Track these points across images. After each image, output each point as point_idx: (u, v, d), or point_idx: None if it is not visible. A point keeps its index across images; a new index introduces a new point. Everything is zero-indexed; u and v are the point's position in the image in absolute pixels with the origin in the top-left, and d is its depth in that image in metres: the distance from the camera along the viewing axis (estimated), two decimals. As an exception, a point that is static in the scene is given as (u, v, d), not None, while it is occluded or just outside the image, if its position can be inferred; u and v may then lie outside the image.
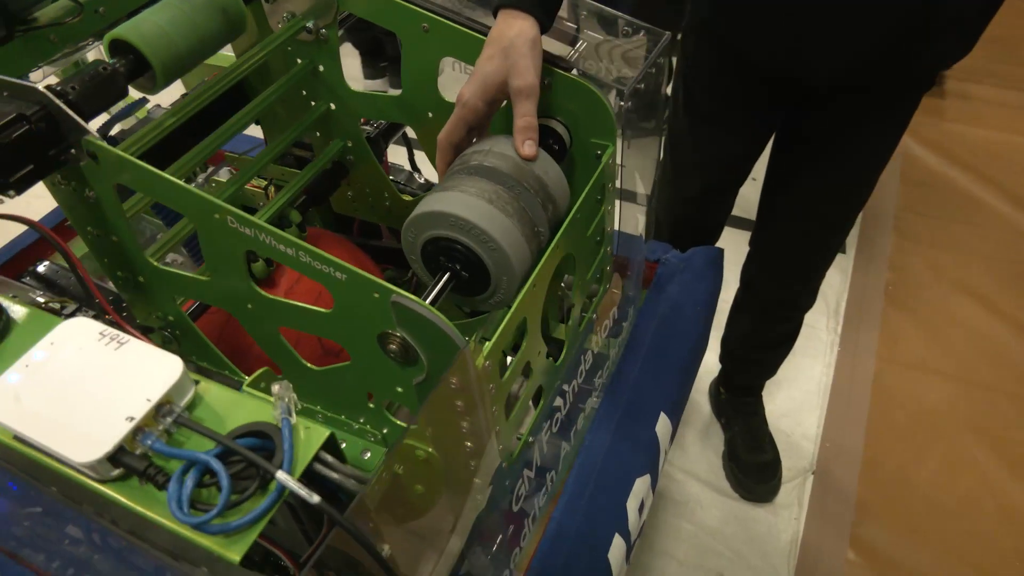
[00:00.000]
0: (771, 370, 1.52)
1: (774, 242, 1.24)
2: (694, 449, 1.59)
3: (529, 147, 0.67)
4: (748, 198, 1.30)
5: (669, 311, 1.06)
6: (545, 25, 0.69)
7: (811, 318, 1.83)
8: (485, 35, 0.72)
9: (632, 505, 0.91)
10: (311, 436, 0.49)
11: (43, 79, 0.82)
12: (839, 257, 2.00)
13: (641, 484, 0.93)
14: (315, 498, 0.44)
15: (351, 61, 2.83)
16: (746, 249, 1.31)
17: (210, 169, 1.10)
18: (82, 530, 0.59)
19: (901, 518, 1.46)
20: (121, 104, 0.87)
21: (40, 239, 1.09)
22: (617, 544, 0.88)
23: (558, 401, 0.84)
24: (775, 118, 1.11)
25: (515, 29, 0.67)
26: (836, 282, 1.93)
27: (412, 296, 0.54)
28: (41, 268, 0.99)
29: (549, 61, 0.73)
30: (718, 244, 1.30)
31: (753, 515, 1.47)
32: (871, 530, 1.45)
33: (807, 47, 0.90)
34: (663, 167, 1.27)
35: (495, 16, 0.70)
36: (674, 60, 1.22)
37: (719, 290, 1.16)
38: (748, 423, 1.54)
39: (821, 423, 1.62)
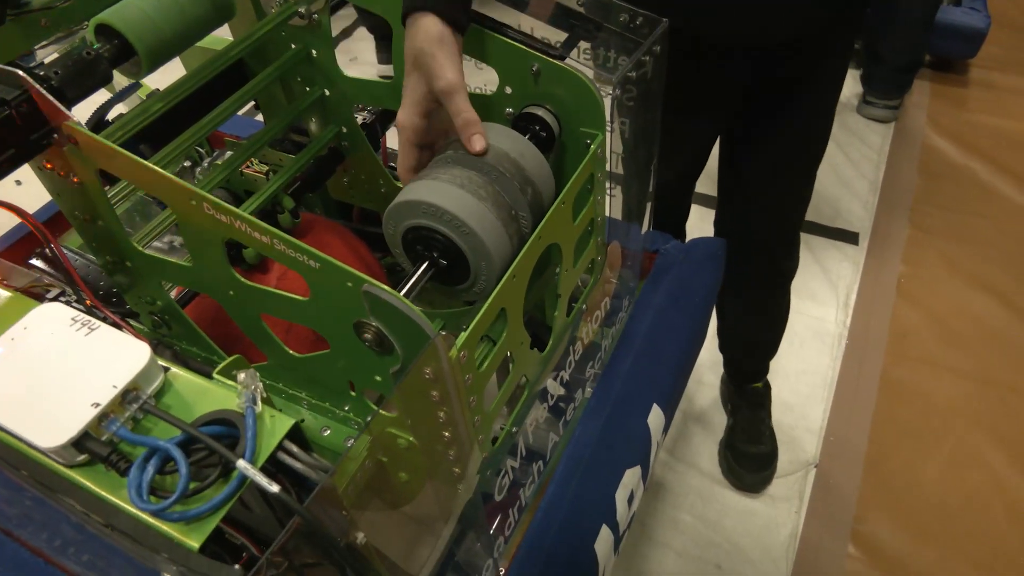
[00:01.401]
0: (770, 350, 1.51)
1: (743, 214, 1.24)
2: (696, 440, 1.58)
3: (477, 141, 0.65)
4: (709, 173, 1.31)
5: (666, 302, 1.05)
6: (448, 16, 0.64)
7: (819, 311, 1.82)
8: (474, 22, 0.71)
9: (621, 496, 0.91)
10: (276, 425, 0.49)
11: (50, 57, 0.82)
12: (851, 249, 1.97)
13: (631, 475, 0.93)
14: (274, 487, 0.44)
15: (366, 45, 2.83)
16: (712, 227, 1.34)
17: (216, 152, 1.10)
18: (57, 513, 0.60)
19: (905, 515, 1.45)
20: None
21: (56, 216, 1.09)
22: (604, 535, 0.87)
23: (546, 391, 0.84)
24: (721, 98, 1.13)
25: (420, 35, 0.64)
26: (847, 274, 1.90)
27: (382, 286, 0.53)
28: (48, 251, 1.00)
29: (538, 49, 0.72)
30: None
31: (752, 508, 1.46)
32: (873, 526, 1.43)
33: (758, 15, 0.96)
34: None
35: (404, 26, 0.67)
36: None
37: (719, 282, 1.15)
38: (752, 414, 1.53)
39: (826, 417, 1.60)
